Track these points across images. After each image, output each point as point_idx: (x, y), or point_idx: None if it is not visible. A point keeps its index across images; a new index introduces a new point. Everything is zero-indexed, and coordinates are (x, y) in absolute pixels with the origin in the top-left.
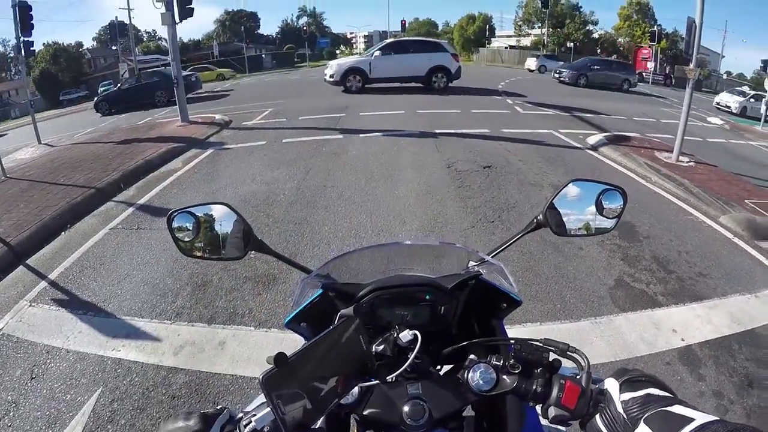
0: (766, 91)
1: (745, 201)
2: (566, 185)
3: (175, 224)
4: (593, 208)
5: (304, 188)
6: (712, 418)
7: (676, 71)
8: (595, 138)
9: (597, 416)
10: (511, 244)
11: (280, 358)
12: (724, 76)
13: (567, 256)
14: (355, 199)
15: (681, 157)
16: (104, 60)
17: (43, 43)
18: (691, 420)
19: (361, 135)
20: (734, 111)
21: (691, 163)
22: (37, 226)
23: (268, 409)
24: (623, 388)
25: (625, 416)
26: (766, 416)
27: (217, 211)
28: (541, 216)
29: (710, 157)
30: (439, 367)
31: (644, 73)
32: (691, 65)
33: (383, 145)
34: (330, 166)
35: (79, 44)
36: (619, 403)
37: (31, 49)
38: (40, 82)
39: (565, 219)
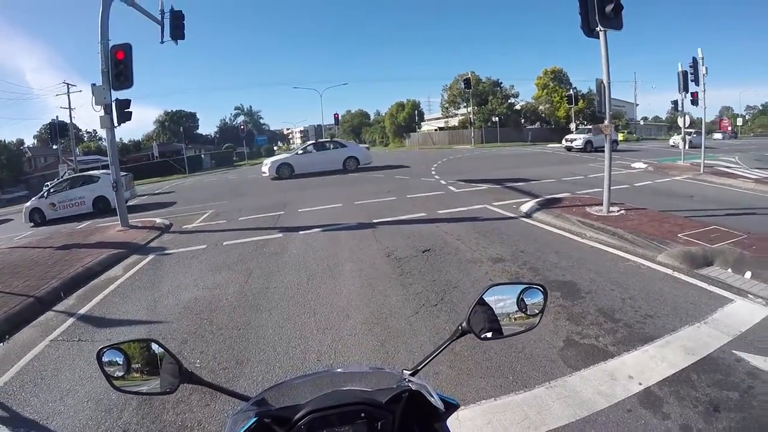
0: (680, 129)
1: (678, 235)
2: (486, 290)
3: (104, 359)
4: (515, 308)
5: (246, 291)
6: None
7: (594, 130)
8: (527, 205)
9: None
10: (437, 354)
11: None
12: (641, 122)
13: (514, 336)
14: (298, 299)
15: (611, 208)
16: (44, 159)
17: None
18: None
19: (300, 232)
20: (576, 147)
21: (622, 211)
22: None
23: None
24: None
25: None
26: None
27: (146, 346)
28: (464, 323)
29: (639, 200)
30: None
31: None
32: (606, 122)
33: (323, 240)
34: (271, 266)
35: (20, 142)
36: None
37: None
38: None
39: (489, 323)
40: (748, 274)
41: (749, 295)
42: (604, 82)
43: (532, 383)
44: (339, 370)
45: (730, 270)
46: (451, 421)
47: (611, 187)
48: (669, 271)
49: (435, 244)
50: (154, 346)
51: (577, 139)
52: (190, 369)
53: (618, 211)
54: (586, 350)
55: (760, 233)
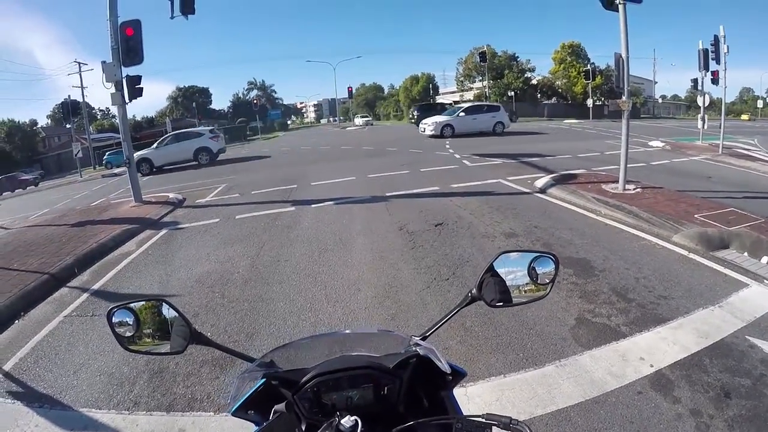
0: (699, 108)
1: (695, 216)
2: (496, 257)
3: (115, 320)
4: (526, 277)
5: (258, 265)
6: None
7: (611, 105)
8: (542, 181)
9: None
10: (445, 321)
11: None
12: (660, 100)
13: (525, 305)
14: (309, 272)
15: (627, 186)
16: (58, 139)
17: None
18: None
19: (313, 205)
20: (429, 133)
21: (638, 189)
22: None
23: None
24: None
25: None
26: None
27: (156, 306)
28: (474, 290)
29: (655, 179)
30: None
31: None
32: (624, 98)
33: (335, 213)
34: (283, 239)
35: (34, 122)
36: None
37: None
38: None
39: (499, 290)
40: (764, 259)
41: (765, 281)
42: (623, 56)
43: (543, 361)
44: (347, 331)
45: (746, 254)
46: (459, 396)
47: (627, 165)
48: (684, 252)
49: (448, 218)
50: (164, 306)
51: (429, 125)
52: (199, 330)
53: (634, 189)
54: (598, 329)
55: None
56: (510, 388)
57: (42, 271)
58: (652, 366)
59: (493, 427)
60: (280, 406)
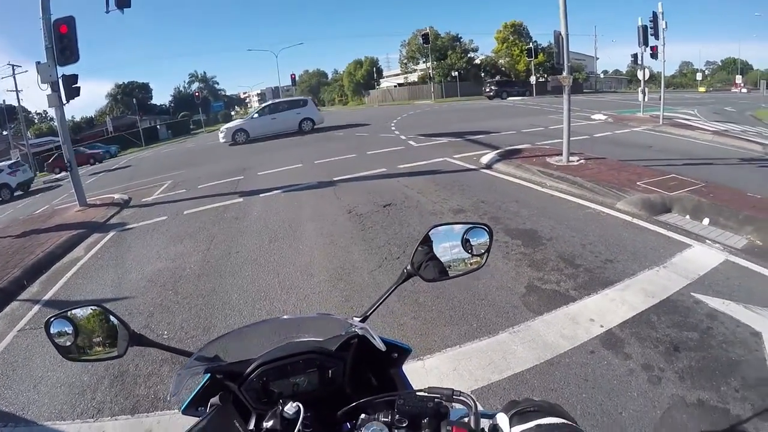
0: (640, 82)
1: (637, 183)
2: (428, 232)
3: (53, 330)
4: (460, 248)
5: (209, 258)
6: None
7: (552, 81)
8: (487, 157)
9: None
10: (383, 300)
11: None
12: (602, 75)
13: (475, 276)
14: (261, 262)
15: (571, 158)
16: None
17: None
18: None
19: (261, 195)
20: (223, 140)
21: (582, 161)
22: None
23: None
24: (513, 422)
25: None
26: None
27: (93, 312)
28: (409, 266)
29: (599, 150)
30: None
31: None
32: (564, 73)
33: (283, 201)
34: (233, 231)
35: None
36: None
37: None
38: None
39: (434, 265)
40: (705, 221)
41: (707, 241)
42: (562, 33)
43: (496, 329)
44: (285, 317)
45: (688, 217)
46: (417, 369)
47: (570, 138)
48: (628, 218)
49: (396, 198)
50: (100, 311)
51: (222, 132)
52: (138, 332)
53: (578, 160)
54: (548, 295)
55: (717, 182)
56: (466, 358)
57: None
58: (602, 326)
59: (435, 401)
60: (215, 399)
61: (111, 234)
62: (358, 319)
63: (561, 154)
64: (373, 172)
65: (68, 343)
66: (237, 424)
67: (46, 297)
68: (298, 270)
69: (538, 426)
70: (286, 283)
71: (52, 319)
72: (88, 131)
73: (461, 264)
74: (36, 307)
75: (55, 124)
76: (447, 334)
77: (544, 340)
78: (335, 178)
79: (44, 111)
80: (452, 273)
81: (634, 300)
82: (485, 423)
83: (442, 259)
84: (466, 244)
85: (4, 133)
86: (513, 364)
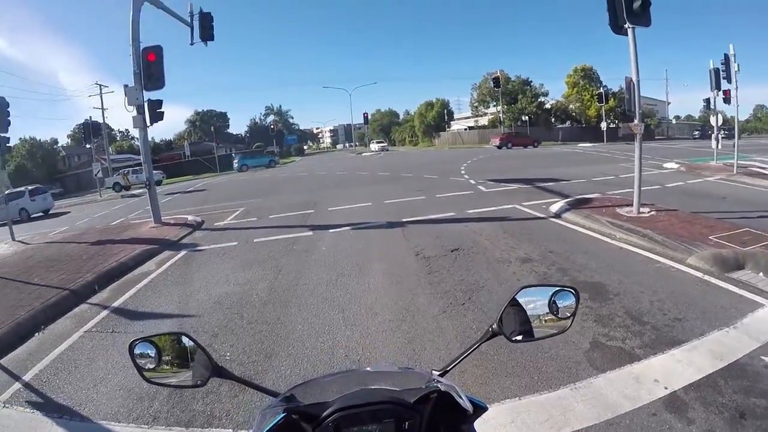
0: (712, 127)
1: (709, 238)
2: (517, 292)
3: (136, 351)
4: (547, 311)
5: (276, 287)
6: None
7: (623, 129)
8: (557, 205)
9: None
10: (466, 356)
11: None
12: (674, 121)
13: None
14: (327, 296)
15: (641, 209)
16: (78, 158)
17: (20, 138)
18: None
19: (330, 230)
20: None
21: (652, 213)
22: (11, 326)
23: None
24: None
25: None
26: None
27: (178, 339)
28: (495, 325)
29: (670, 201)
30: None
31: None
32: (636, 121)
33: (352, 239)
34: (301, 263)
35: (54, 141)
36: None
37: (7, 145)
38: (14, 177)
39: (520, 325)
40: None
41: None
42: (634, 80)
43: (557, 384)
44: (368, 368)
45: (761, 274)
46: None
47: (642, 188)
48: (699, 274)
49: (463, 243)
50: (185, 340)
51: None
52: (220, 363)
53: (648, 212)
54: (613, 352)
55: None
56: (525, 411)
57: (63, 287)
58: (666, 388)
59: None
60: None
61: (182, 253)
62: (438, 373)
63: (631, 205)
64: (441, 216)
65: (149, 366)
66: None
67: (115, 304)
68: (363, 308)
69: None
70: (350, 320)
71: (137, 341)
72: (166, 152)
73: (547, 326)
74: (104, 312)
75: (136, 143)
76: (507, 385)
77: (606, 399)
78: (404, 219)
79: (126, 129)
80: (537, 335)
81: (701, 362)
82: None
83: (529, 320)
84: (552, 306)
85: (88, 146)
86: (572, 421)
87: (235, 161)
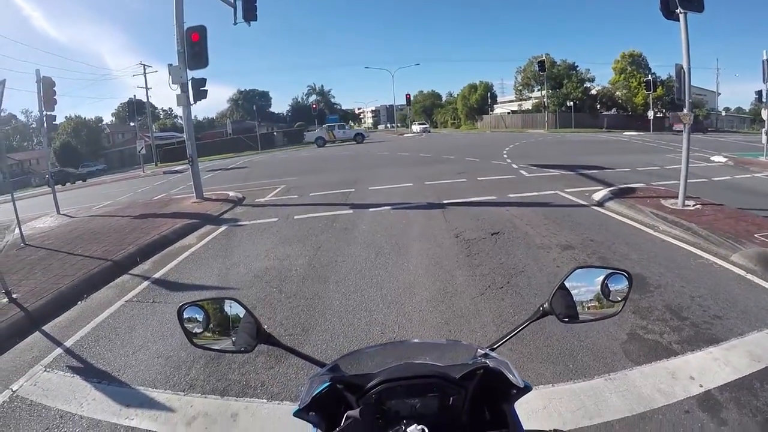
0: (763, 121)
1: (755, 235)
2: (570, 272)
3: (185, 316)
4: (599, 293)
5: (315, 264)
6: None
7: (672, 118)
8: (600, 194)
9: None
10: (515, 334)
11: None
12: (723, 113)
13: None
14: (366, 273)
15: (687, 201)
16: (122, 135)
17: (66, 116)
18: None
19: (370, 209)
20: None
21: (697, 206)
22: (54, 294)
23: None
24: None
25: None
26: None
27: (227, 304)
28: (546, 304)
29: (716, 196)
30: None
31: None
32: (685, 110)
33: (392, 218)
34: (340, 241)
35: (99, 119)
36: None
37: (54, 123)
38: (60, 154)
39: (569, 306)
40: None
41: None
42: (684, 67)
43: (592, 373)
44: (416, 340)
45: None
46: None
47: (688, 180)
48: (742, 273)
49: (504, 227)
50: (234, 305)
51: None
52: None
53: (693, 205)
54: (650, 346)
55: None
56: (558, 398)
57: (105, 258)
58: (701, 386)
59: None
60: (354, 412)
61: (223, 228)
62: (484, 350)
63: (676, 197)
64: (482, 199)
65: (197, 330)
66: None
67: (156, 275)
68: (402, 287)
69: None
70: (388, 298)
71: (185, 306)
72: (209, 130)
73: (597, 309)
74: (145, 283)
75: (179, 121)
76: (542, 371)
77: (640, 392)
78: (445, 201)
79: (169, 108)
80: (587, 317)
81: (739, 362)
82: None
83: (580, 302)
84: (604, 288)
85: (132, 124)
86: (604, 412)
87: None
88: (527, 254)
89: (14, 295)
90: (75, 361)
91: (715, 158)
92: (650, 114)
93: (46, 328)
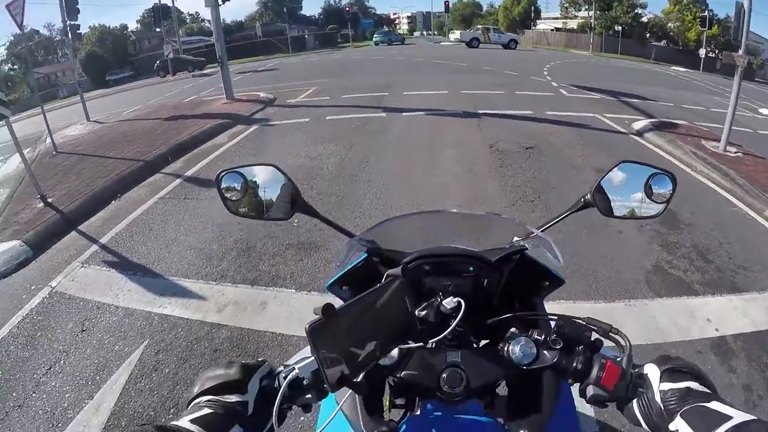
0: None
1: None
2: (616, 166)
3: (223, 183)
4: (641, 192)
5: (346, 163)
6: (750, 417)
7: (725, 58)
8: (640, 123)
9: (634, 401)
10: (557, 221)
11: (327, 310)
12: None
13: (605, 237)
14: (397, 175)
15: (728, 147)
16: (149, 42)
17: (89, 26)
18: (729, 418)
19: (404, 114)
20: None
21: (739, 154)
22: (88, 196)
23: (310, 359)
24: (663, 377)
25: (662, 406)
26: None
27: (266, 172)
28: (588, 195)
29: (760, 148)
30: (478, 339)
31: None
32: (740, 51)
33: (426, 123)
34: (372, 142)
35: (124, 27)
36: (657, 391)
37: (78, 32)
38: (86, 64)
39: (612, 200)
40: None
41: None
42: (745, 6)
43: (613, 297)
44: (454, 210)
45: None
46: None
47: (732, 127)
48: None
49: (539, 143)
50: (274, 171)
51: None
52: (295, 219)
53: (735, 152)
54: (673, 281)
55: None
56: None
57: (137, 159)
58: (717, 330)
59: (593, 332)
60: (395, 271)
61: (254, 127)
62: (526, 230)
63: (719, 141)
64: (519, 113)
65: (236, 198)
66: (407, 302)
67: (188, 173)
68: (433, 190)
69: (688, 389)
70: (418, 201)
71: (224, 173)
72: (237, 33)
73: (639, 207)
74: (177, 181)
75: (206, 24)
76: (563, 287)
77: (657, 323)
78: (480, 111)
79: (195, 12)
80: (626, 213)
81: (757, 316)
82: (632, 371)
83: (622, 198)
84: (648, 188)
85: (158, 30)
86: None
87: (376, 36)
88: (560, 172)
89: (49, 199)
90: (110, 256)
91: (763, 110)
92: (702, 52)
93: (81, 227)
